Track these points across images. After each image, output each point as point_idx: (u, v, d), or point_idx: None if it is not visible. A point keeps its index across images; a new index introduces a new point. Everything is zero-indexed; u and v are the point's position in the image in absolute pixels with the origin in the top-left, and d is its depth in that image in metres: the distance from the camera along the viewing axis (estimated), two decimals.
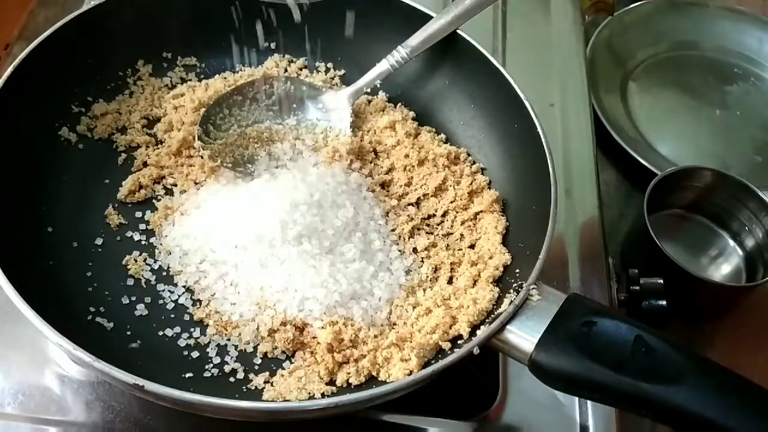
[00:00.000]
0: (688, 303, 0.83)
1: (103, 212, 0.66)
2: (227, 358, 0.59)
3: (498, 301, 0.59)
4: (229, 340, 0.60)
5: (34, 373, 0.61)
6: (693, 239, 0.92)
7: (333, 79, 0.78)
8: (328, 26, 0.77)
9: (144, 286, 0.62)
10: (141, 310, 0.60)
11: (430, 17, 0.73)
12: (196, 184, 0.69)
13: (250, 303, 0.61)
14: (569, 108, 0.87)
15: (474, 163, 0.72)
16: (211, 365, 0.58)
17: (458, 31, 0.73)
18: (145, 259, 0.64)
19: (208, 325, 0.60)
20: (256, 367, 0.59)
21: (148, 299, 0.61)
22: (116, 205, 0.67)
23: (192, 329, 0.60)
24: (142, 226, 0.66)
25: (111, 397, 0.60)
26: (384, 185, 0.71)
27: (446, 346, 0.57)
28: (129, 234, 0.65)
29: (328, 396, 0.55)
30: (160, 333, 0.59)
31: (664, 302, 0.73)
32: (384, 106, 0.76)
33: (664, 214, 0.91)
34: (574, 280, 0.72)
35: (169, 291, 0.62)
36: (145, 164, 0.70)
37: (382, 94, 0.77)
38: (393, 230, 0.68)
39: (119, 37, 0.71)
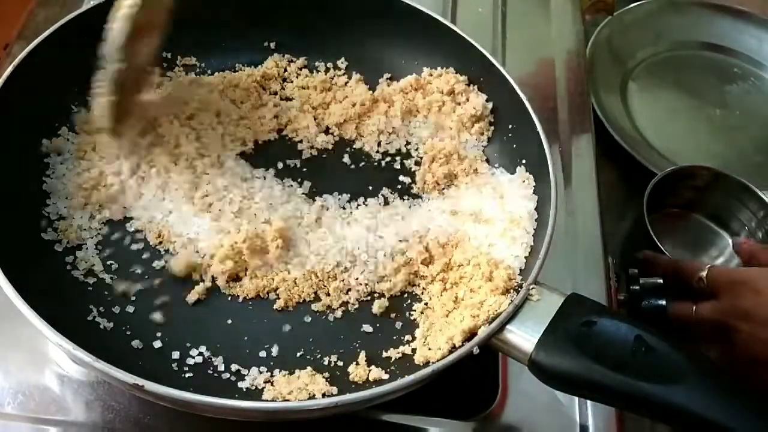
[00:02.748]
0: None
1: None
2: None
3: None
4: None
5: (33, 373, 0.61)
6: (693, 239, 0.92)
7: (333, 79, 0.78)
8: (328, 26, 0.77)
9: None
10: None
11: (430, 17, 0.73)
12: None
13: None
14: (569, 108, 0.87)
15: None
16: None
17: (458, 31, 0.73)
18: None
19: None
20: (257, 367, 0.59)
21: None
22: None
23: None
24: None
25: (111, 397, 0.60)
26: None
27: None
28: None
29: (328, 396, 0.55)
30: (160, 333, 0.59)
31: (664, 302, 0.73)
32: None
33: (664, 214, 0.91)
34: (574, 280, 0.72)
35: None
36: None
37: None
38: None
39: None
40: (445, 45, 0.74)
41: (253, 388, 0.56)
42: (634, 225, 0.87)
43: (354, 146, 0.73)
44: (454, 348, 0.55)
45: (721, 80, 1.10)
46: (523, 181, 0.67)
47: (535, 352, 0.52)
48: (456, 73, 0.75)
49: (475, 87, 0.74)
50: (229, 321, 0.61)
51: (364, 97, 0.74)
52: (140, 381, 0.49)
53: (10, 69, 0.62)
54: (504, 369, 0.65)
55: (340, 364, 0.58)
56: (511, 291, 0.58)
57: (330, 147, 0.73)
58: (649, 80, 1.08)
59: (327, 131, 0.74)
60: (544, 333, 0.53)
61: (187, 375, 0.56)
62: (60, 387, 0.60)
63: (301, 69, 0.78)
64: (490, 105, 0.73)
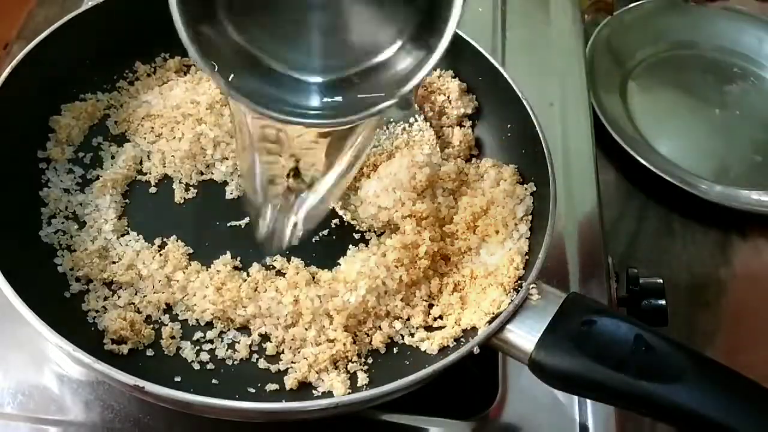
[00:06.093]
0: None
1: None
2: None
3: None
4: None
5: (33, 373, 0.61)
6: None
7: None
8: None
9: None
10: None
11: None
12: None
13: None
14: (569, 108, 0.87)
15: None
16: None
17: (457, 31, 0.73)
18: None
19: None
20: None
21: None
22: None
23: None
24: None
25: (110, 396, 0.60)
26: None
27: None
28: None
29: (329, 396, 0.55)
30: None
31: (664, 302, 0.73)
32: None
33: None
34: (574, 279, 0.72)
35: None
36: None
37: None
38: None
39: (117, 37, 0.71)
40: None
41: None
42: None
43: None
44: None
45: (721, 80, 1.10)
46: (523, 181, 0.67)
47: (535, 352, 0.52)
48: (454, 72, 0.75)
49: (474, 87, 0.74)
50: None
51: None
52: (140, 382, 0.49)
53: (9, 68, 0.62)
54: (504, 369, 0.65)
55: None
56: (511, 291, 0.58)
57: None
58: (649, 80, 1.08)
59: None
60: (544, 332, 0.52)
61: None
62: (59, 387, 0.60)
63: None
64: (488, 105, 0.73)
